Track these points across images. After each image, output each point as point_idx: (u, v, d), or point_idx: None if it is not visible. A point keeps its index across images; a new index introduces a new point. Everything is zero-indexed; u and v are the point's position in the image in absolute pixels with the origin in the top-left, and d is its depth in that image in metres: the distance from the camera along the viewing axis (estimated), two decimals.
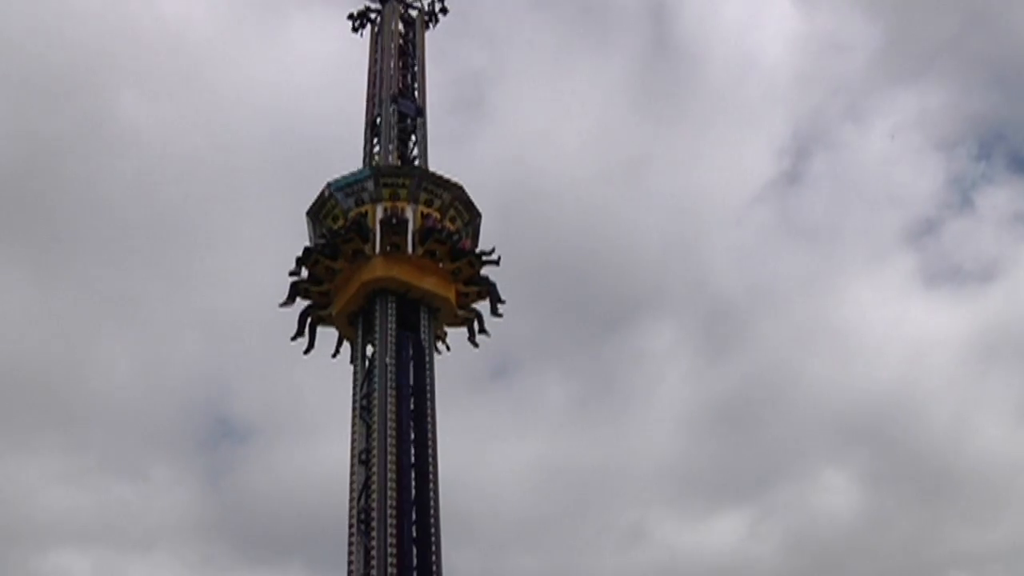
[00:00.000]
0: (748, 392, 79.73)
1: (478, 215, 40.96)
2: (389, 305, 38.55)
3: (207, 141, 75.99)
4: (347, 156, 42.94)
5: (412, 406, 37.41)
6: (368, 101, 44.63)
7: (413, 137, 43.52)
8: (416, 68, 45.69)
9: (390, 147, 42.56)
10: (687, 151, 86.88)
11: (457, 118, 79.74)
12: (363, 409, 37.62)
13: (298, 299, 39.88)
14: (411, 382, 37.77)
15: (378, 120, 43.59)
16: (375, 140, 43.43)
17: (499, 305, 40.30)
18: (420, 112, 44.05)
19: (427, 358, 38.34)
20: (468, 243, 40.25)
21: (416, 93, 44.85)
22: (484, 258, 40.07)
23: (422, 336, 38.57)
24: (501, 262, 40.31)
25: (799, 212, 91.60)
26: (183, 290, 75.94)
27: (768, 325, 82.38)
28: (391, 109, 43.41)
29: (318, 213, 40.33)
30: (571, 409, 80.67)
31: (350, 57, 47.54)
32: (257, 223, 71.41)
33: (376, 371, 37.72)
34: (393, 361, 37.67)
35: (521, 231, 69.39)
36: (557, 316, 78.88)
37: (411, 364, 37.99)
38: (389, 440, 36.32)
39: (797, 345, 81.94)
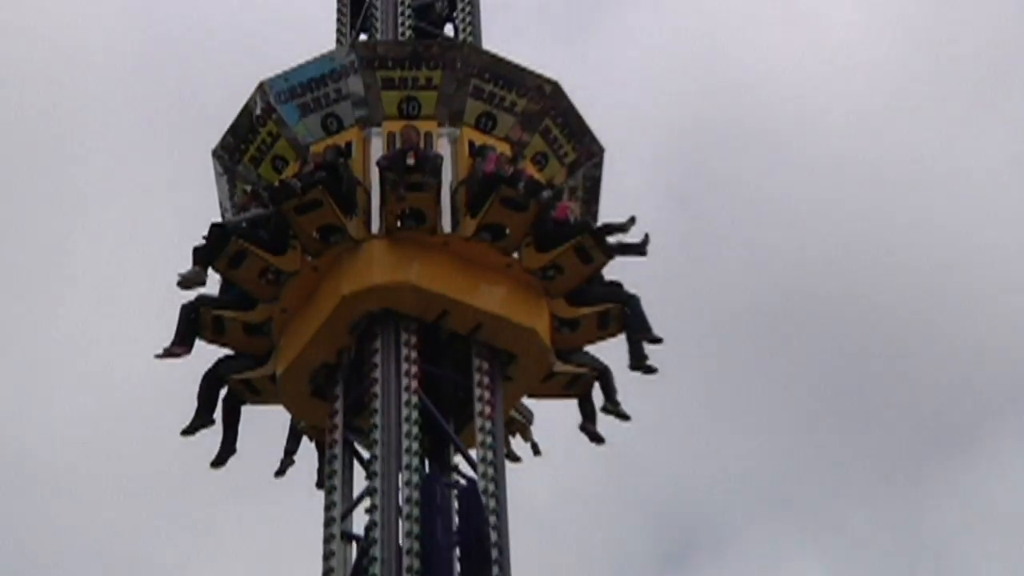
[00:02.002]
0: None
1: (597, 150, 19.24)
2: (401, 347, 16.58)
3: (30, 45, 39.54)
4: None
5: None
6: None
7: (452, 24, 21.24)
8: None
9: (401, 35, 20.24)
10: None
11: None
12: None
13: (200, 340, 17.89)
14: None
15: None
16: (362, 27, 21.01)
17: (653, 344, 17.87)
18: None
19: (496, 516, 15.90)
20: (572, 207, 18.57)
21: None
22: (611, 238, 17.91)
23: (481, 411, 16.45)
24: (670, 273, 22.27)
25: None
26: None
27: None
28: None
29: (241, 149, 18.75)
30: None
31: None
32: (122, 192, 36.40)
33: (379, 546, 15.19)
34: (416, 525, 15.44)
35: (721, 219, 35.48)
36: (813, 417, 36.65)
37: (453, 534, 15.69)
38: None
39: None
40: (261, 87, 18.71)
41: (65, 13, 40.89)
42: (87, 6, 42.48)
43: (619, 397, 18.26)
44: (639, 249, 17.91)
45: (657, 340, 17.96)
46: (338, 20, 21.17)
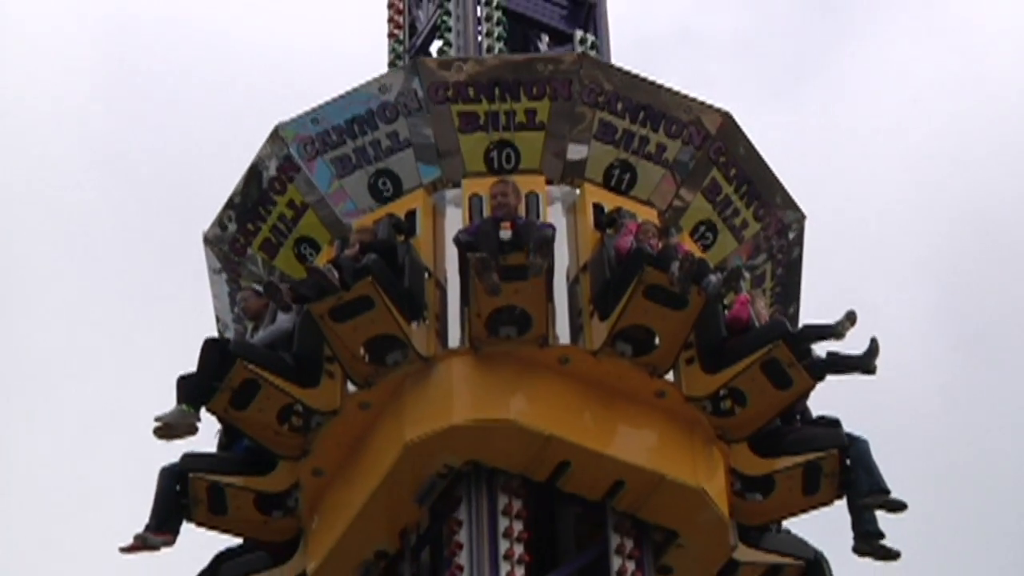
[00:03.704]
0: None
1: (794, 218, 13.71)
2: (499, 528, 11.09)
3: None
4: None
5: None
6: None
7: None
8: None
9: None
10: None
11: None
12: None
13: (188, 523, 12.25)
14: None
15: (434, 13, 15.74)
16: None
17: (891, 513, 11.86)
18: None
19: None
20: (756, 303, 12.55)
21: None
22: (819, 348, 12.11)
23: None
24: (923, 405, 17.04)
25: None
26: None
27: None
28: None
29: (248, 230, 13.37)
30: None
31: None
32: (69, 301, 27.86)
33: None
34: None
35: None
36: None
37: None
38: None
39: None
40: (276, 134, 13.36)
41: None
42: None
43: None
44: (862, 364, 12.18)
45: (898, 507, 11.99)
46: (391, 41, 15.66)
